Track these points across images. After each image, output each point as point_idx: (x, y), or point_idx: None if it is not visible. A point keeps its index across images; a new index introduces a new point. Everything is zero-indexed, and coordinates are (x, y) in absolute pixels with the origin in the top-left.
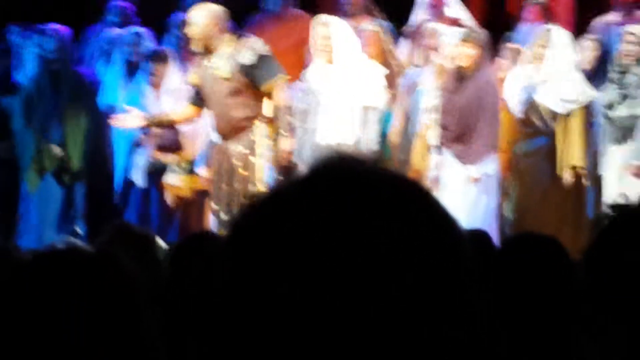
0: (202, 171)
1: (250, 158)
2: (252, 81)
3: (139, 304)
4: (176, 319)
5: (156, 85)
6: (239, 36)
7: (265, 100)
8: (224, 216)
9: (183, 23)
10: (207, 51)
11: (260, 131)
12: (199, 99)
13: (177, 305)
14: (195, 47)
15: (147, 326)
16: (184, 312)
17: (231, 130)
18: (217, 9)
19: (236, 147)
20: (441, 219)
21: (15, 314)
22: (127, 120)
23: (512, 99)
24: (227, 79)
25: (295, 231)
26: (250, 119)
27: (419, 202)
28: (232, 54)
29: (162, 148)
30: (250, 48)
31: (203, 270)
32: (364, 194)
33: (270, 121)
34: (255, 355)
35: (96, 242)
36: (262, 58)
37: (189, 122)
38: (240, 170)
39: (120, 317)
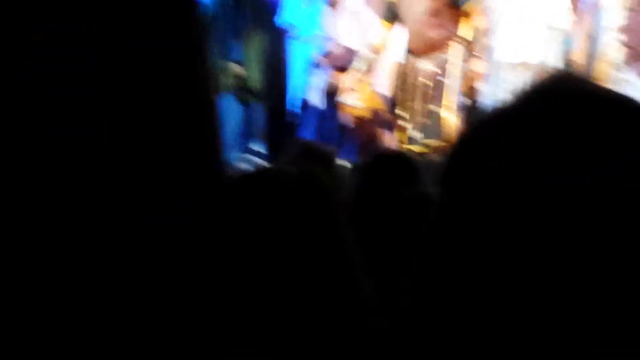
0: (383, 89)
1: (440, 78)
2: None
3: (342, 223)
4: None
5: (334, 5)
6: None
7: (463, 21)
8: (411, 132)
9: None
10: None
11: (454, 52)
12: (392, 15)
13: (366, 224)
14: None
15: (351, 244)
16: (375, 231)
17: (425, 48)
18: None
19: (426, 65)
20: None
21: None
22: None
23: None
24: None
25: (524, 156)
26: (446, 39)
27: None
28: None
29: (341, 69)
30: None
31: (393, 190)
32: (593, 116)
33: (468, 43)
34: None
35: (279, 160)
36: None
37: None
38: (428, 90)
39: (328, 236)
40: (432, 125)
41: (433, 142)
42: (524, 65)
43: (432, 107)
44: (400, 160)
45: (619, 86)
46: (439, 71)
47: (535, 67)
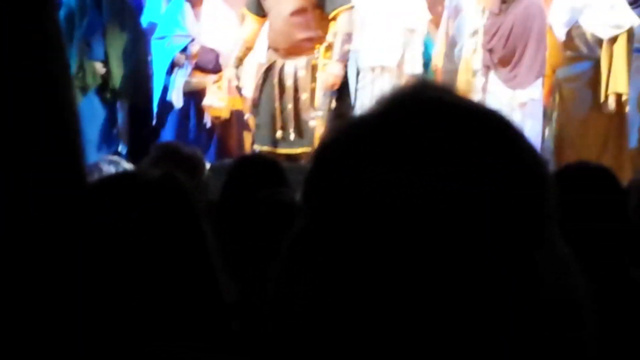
0: (245, 91)
1: (308, 81)
2: (320, 3)
3: (202, 226)
4: (226, 240)
5: (195, 4)
6: None
7: (329, 24)
8: (279, 134)
9: None
10: None
11: (321, 55)
12: (262, 9)
13: (228, 226)
14: None
15: (211, 247)
16: (236, 234)
17: (290, 49)
18: None
19: (293, 68)
20: (527, 154)
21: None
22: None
23: (557, 22)
24: None
25: (383, 161)
26: (312, 41)
27: (506, 135)
28: None
29: (201, 68)
30: None
31: (258, 194)
32: (452, 125)
33: (331, 46)
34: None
35: (143, 162)
36: None
37: (254, 39)
38: (295, 92)
39: (188, 239)
40: (296, 129)
41: (298, 146)
42: (384, 68)
43: (295, 110)
44: (264, 163)
45: (478, 93)
46: (305, 74)
47: (394, 71)
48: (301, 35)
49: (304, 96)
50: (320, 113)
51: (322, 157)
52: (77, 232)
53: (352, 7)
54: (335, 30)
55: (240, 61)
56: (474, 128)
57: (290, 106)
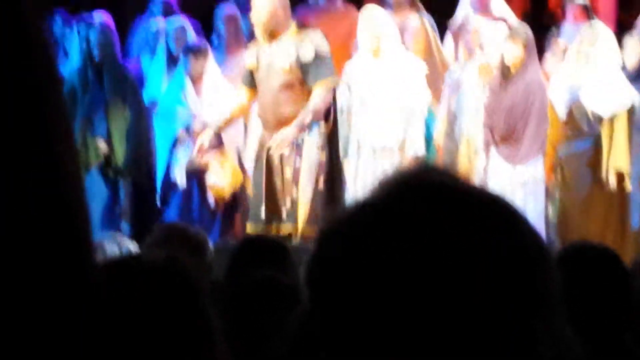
0: (246, 167)
1: (291, 158)
2: (305, 77)
3: (207, 311)
4: (232, 322)
5: (196, 80)
6: (302, 26)
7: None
8: (261, 213)
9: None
10: (271, 38)
11: (309, 133)
12: (254, 81)
13: (234, 308)
14: (258, 33)
15: (215, 330)
16: (241, 316)
17: (278, 124)
18: None
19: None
20: (530, 239)
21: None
22: (200, 141)
23: (558, 100)
24: (284, 70)
25: (387, 246)
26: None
27: (508, 219)
28: (295, 45)
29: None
30: (311, 42)
31: (264, 276)
32: (454, 210)
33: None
34: None
35: (146, 242)
36: (320, 55)
37: (246, 111)
38: (282, 168)
39: (191, 323)
40: (286, 208)
41: (283, 225)
42: (385, 149)
43: (285, 188)
44: (268, 244)
45: (480, 173)
46: (289, 151)
47: (396, 151)
48: (288, 110)
49: (288, 174)
50: (305, 192)
51: (326, 242)
52: (82, 315)
53: (332, 80)
54: (309, 102)
55: (220, 128)
56: (477, 214)
57: (278, 183)
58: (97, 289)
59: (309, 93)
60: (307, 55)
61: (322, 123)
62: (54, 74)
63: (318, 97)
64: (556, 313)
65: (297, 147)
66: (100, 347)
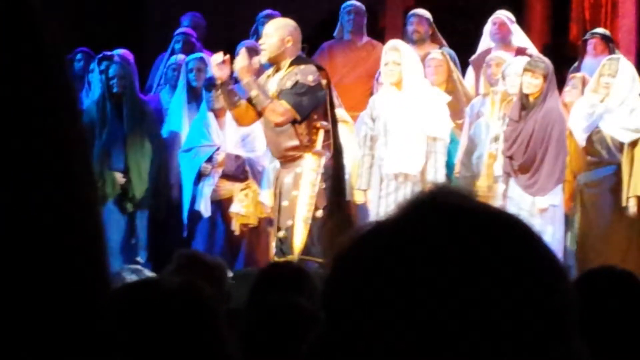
0: (266, 198)
1: (289, 189)
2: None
3: (223, 335)
4: (251, 349)
5: (220, 114)
6: (300, 62)
7: (320, 133)
8: (275, 243)
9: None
10: (276, 67)
11: (308, 164)
12: None
13: (253, 335)
14: (264, 59)
15: (232, 355)
16: (261, 341)
17: (281, 158)
18: (291, 24)
19: (284, 178)
20: (545, 257)
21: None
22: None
23: (578, 128)
24: None
25: (402, 267)
26: (298, 149)
27: (525, 241)
28: (284, 79)
29: (228, 176)
30: (295, 74)
31: (284, 301)
32: (471, 230)
33: (320, 155)
34: None
35: (165, 270)
36: (295, 86)
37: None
38: (282, 202)
39: (207, 349)
40: (287, 238)
41: (289, 255)
42: (407, 176)
43: (284, 218)
44: (289, 270)
45: (499, 199)
46: (292, 183)
47: (417, 178)
48: (287, 144)
49: (285, 204)
50: (306, 222)
51: (341, 264)
52: (100, 339)
53: (292, 110)
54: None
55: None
56: (494, 234)
57: (282, 215)
58: (112, 310)
59: (308, 127)
60: (287, 84)
61: (322, 155)
62: (73, 106)
63: (275, 105)
64: (573, 334)
65: (296, 177)
66: None
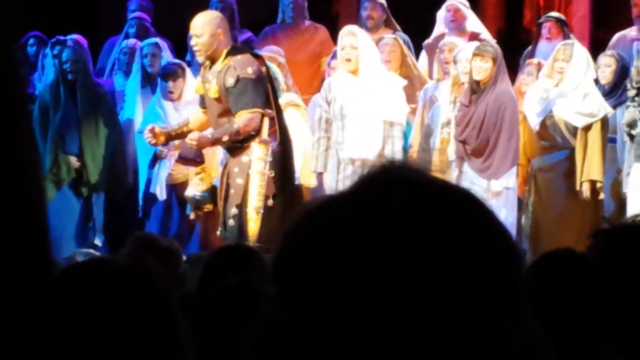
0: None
1: (238, 180)
2: (229, 105)
3: (173, 315)
4: (204, 331)
5: (175, 99)
6: (235, 52)
7: (265, 121)
8: (219, 230)
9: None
10: (212, 62)
11: (255, 153)
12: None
13: (205, 318)
14: (201, 60)
15: (181, 337)
16: (213, 325)
17: (228, 148)
18: (215, 15)
19: (233, 167)
20: (497, 230)
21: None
22: (148, 140)
23: (531, 112)
24: (215, 99)
25: (349, 240)
26: (242, 141)
27: (475, 212)
28: (222, 72)
29: (184, 160)
30: (234, 69)
31: (235, 282)
32: (420, 202)
33: (267, 143)
34: None
35: (120, 253)
36: (238, 84)
37: (205, 127)
38: (230, 190)
39: (155, 328)
40: (224, 225)
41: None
42: (365, 161)
43: (230, 206)
44: (240, 252)
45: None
46: (238, 171)
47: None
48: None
49: (231, 192)
50: (255, 209)
51: (290, 237)
52: (44, 317)
53: (254, 110)
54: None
55: (171, 137)
56: (444, 205)
57: (228, 202)
58: (57, 290)
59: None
60: (229, 81)
61: (268, 143)
62: (18, 89)
63: (239, 122)
64: (527, 310)
65: (242, 166)
66: (61, 349)
